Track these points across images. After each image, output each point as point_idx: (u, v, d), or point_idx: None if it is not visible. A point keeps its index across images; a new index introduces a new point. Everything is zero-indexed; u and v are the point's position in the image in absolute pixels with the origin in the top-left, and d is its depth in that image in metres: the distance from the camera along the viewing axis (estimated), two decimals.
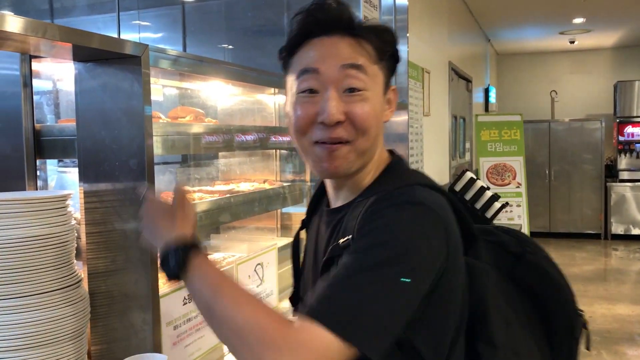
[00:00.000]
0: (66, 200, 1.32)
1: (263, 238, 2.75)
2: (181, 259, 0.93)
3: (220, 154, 2.83)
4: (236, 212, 2.16)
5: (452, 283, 0.91)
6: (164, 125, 1.83)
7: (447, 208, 0.93)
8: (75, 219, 1.38)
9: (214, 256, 2.31)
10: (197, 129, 2.00)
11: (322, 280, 0.87)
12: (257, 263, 1.89)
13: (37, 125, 1.53)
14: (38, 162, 1.57)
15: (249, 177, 2.78)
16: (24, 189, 1.49)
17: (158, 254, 1.00)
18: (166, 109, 2.32)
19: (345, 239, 0.91)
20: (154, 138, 1.75)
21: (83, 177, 1.43)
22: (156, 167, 4.00)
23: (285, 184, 2.65)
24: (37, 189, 1.51)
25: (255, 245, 2.63)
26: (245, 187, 2.52)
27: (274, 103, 2.76)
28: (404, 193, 0.91)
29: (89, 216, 1.41)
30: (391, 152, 1.06)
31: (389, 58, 0.99)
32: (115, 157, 1.38)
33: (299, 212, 2.81)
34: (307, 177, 2.82)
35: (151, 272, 1.37)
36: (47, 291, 1.24)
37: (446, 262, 0.89)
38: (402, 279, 0.82)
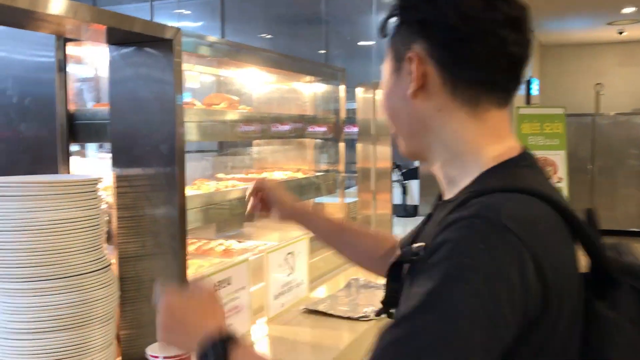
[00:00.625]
0: (96, 184, 1.32)
1: (295, 227, 2.73)
2: (221, 354, 0.84)
3: (254, 142, 2.81)
4: None
5: (547, 341, 0.72)
6: (197, 111, 1.82)
7: (549, 230, 0.74)
8: (107, 204, 1.38)
9: (246, 244, 2.30)
10: (231, 116, 1.98)
11: (383, 330, 0.73)
12: (287, 252, 1.87)
13: (70, 109, 1.53)
14: (77, 147, 1.57)
15: (283, 166, 2.76)
16: (57, 173, 1.50)
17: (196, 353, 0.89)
18: (202, 96, 2.31)
19: (418, 245, 0.79)
20: (188, 124, 1.74)
21: (115, 162, 1.42)
22: (192, 155, 4.03)
23: (318, 174, 2.62)
24: (69, 173, 1.52)
25: (287, 234, 2.62)
26: (278, 176, 2.50)
27: (310, 91, 2.73)
28: (481, 203, 0.74)
29: (120, 201, 1.41)
30: (523, 149, 0.86)
31: (400, 27, 0.86)
32: (146, 142, 1.38)
33: (332, 202, 2.78)
34: (342, 167, 2.78)
35: (180, 258, 1.36)
36: (76, 274, 1.24)
37: (534, 314, 0.70)
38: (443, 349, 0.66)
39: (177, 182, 1.35)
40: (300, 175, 2.55)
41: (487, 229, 0.70)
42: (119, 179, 1.40)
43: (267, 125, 2.19)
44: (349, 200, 2.83)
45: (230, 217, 2.26)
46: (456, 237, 0.70)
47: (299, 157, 2.79)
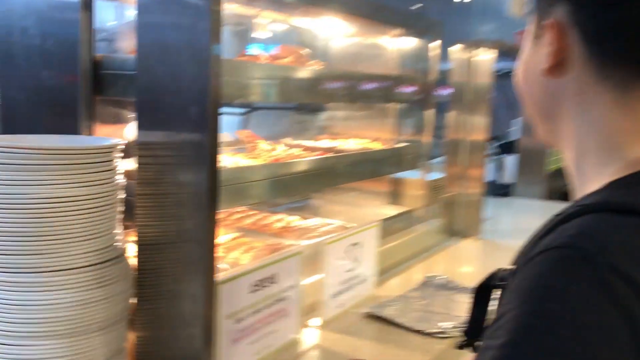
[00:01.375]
0: (112, 152, 1.05)
1: (369, 204, 2.40)
2: None
3: (330, 104, 2.48)
4: (337, 175, 1.81)
5: None
6: (254, 66, 1.50)
7: None
8: (125, 177, 1.11)
9: (308, 222, 2.00)
10: (300, 73, 1.66)
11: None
12: (351, 243, 1.55)
13: (97, 56, 1.26)
14: None
15: (360, 133, 2.41)
16: (77, 132, 1.24)
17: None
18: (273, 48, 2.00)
19: (507, 268, 0.67)
20: (251, 81, 1.43)
21: (139, 125, 1.14)
22: (273, 112, 3.69)
23: (400, 145, 2.25)
24: (91, 133, 1.26)
25: (359, 211, 2.29)
26: (352, 145, 2.16)
27: (396, 48, 2.33)
28: (581, 227, 0.56)
29: (141, 173, 1.13)
30: None
31: None
32: (174, 101, 1.08)
33: (413, 178, 2.41)
34: (428, 138, 2.39)
35: (206, 248, 1.07)
36: (73, 267, 0.97)
37: None
38: None
39: (208, 155, 1.05)
40: (377, 145, 2.20)
41: (584, 266, 0.53)
42: (141, 146, 1.12)
43: (343, 85, 1.85)
44: (434, 176, 2.45)
45: (286, 193, 1.96)
46: (541, 273, 0.54)
47: (377, 124, 2.43)
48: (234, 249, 1.64)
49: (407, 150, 2.21)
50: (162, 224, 1.11)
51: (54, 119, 1.30)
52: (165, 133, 1.09)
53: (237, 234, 1.80)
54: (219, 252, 1.16)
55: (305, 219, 2.05)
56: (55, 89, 1.29)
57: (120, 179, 1.08)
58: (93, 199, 0.99)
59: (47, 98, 1.30)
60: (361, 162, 1.95)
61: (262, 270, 1.23)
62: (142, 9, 1.12)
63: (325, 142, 2.18)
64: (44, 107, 1.31)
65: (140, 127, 1.13)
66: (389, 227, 2.10)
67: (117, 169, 1.06)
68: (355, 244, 1.55)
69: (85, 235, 0.98)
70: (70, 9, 1.24)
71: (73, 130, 1.25)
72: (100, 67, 1.26)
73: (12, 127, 1.33)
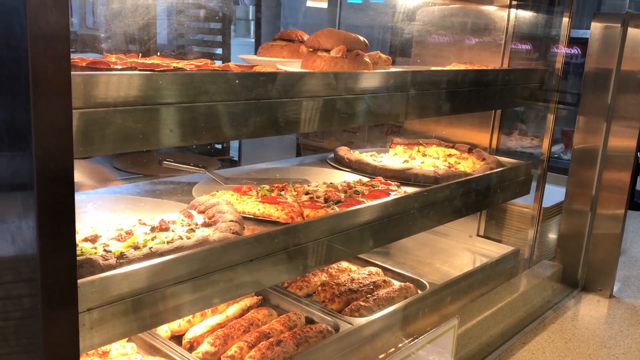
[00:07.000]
0: None
1: (455, 235, 1.79)
2: None
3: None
4: (412, 221, 1.24)
5: None
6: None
7: None
8: None
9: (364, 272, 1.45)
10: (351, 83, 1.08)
11: None
12: None
13: None
14: None
15: (446, 133, 1.78)
16: None
17: None
18: (312, 28, 1.41)
19: None
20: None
21: None
22: None
23: (502, 166, 1.60)
24: None
25: (440, 250, 1.70)
26: (430, 164, 1.53)
27: (507, 21, 1.65)
28: None
29: None
30: None
31: None
32: None
33: (522, 204, 1.76)
34: (546, 145, 1.72)
35: None
36: None
37: None
38: None
39: None
40: (469, 164, 1.56)
41: None
42: None
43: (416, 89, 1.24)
44: (552, 201, 1.79)
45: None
46: None
47: (472, 122, 1.78)
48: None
49: (512, 173, 1.56)
50: None
51: None
52: None
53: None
54: None
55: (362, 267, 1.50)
56: None
57: None
58: None
59: None
60: (450, 200, 1.34)
61: None
62: None
63: (397, 160, 1.57)
64: None
65: None
66: (478, 280, 1.50)
67: None
68: None
69: None
70: None
71: None
72: None
73: None
